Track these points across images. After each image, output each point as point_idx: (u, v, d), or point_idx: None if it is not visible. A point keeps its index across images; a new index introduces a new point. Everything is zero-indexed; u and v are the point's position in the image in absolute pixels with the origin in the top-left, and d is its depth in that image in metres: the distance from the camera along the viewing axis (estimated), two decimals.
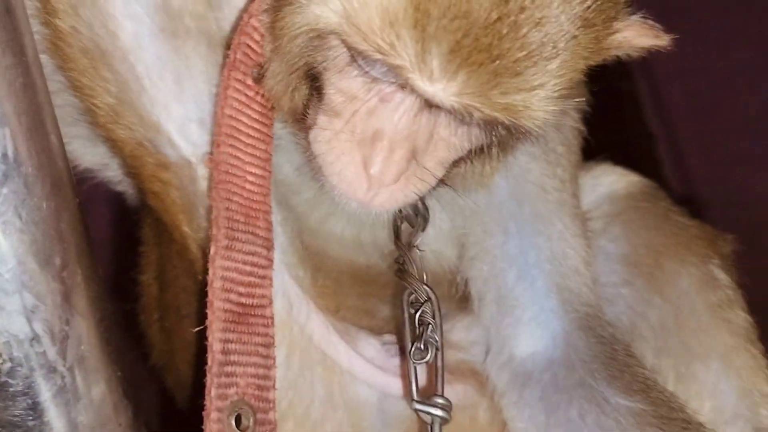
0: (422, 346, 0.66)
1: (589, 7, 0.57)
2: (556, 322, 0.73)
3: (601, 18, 0.59)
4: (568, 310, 0.73)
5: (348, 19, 0.57)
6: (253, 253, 0.67)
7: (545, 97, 0.59)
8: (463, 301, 0.82)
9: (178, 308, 0.80)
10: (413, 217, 0.74)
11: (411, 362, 0.66)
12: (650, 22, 0.65)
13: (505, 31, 0.55)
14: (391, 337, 0.77)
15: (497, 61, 0.56)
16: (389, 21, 0.56)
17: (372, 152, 0.61)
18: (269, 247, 0.68)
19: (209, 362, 0.61)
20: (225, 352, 0.62)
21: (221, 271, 0.64)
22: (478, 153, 0.66)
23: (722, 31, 1.29)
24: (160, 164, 0.71)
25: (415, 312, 0.68)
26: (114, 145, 0.73)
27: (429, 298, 0.68)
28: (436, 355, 0.67)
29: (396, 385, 0.74)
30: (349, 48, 0.60)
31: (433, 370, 0.69)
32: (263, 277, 0.67)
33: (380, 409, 0.74)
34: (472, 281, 0.78)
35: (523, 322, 0.74)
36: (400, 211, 0.74)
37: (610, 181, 0.86)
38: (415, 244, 0.73)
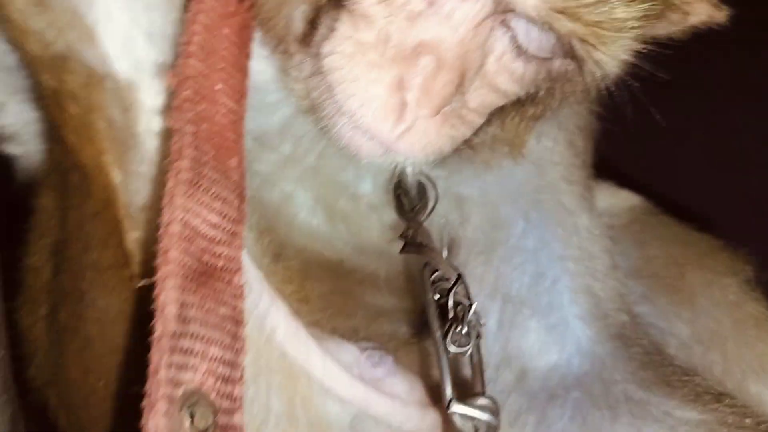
0: (464, 332, 0.50)
1: None
2: (585, 329, 0.59)
3: None
4: (599, 317, 0.60)
5: None
6: (222, 199, 0.49)
7: (628, 39, 0.48)
8: None
9: (80, 294, 0.59)
10: (413, 191, 0.60)
11: (442, 351, 0.49)
12: None
13: None
14: (369, 344, 0.60)
15: None
16: None
17: (411, 71, 0.47)
18: (242, 198, 0.51)
19: (158, 332, 0.42)
20: (182, 319, 0.43)
21: (182, 212, 0.46)
22: (517, 106, 0.54)
23: None
24: (89, 82, 0.53)
25: (450, 289, 0.52)
26: (26, 56, 0.54)
27: (460, 277, 0.53)
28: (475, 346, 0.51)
29: (378, 402, 0.57)
30: None
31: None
32: (233, 235, 0.49)
33: (357, 430, 0.57)
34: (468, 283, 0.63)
35: (540, 330, 0.60)
36: (399, 181, 0.60)
37: (603, 195, 0.76)
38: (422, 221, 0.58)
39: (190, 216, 0.46)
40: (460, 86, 0.49)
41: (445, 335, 0.50)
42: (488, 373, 0.61)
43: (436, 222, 0.66)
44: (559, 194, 0.63)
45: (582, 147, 0.66)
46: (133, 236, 0.54)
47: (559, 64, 0.51)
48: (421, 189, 0.60)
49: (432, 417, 0.59)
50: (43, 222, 0.65)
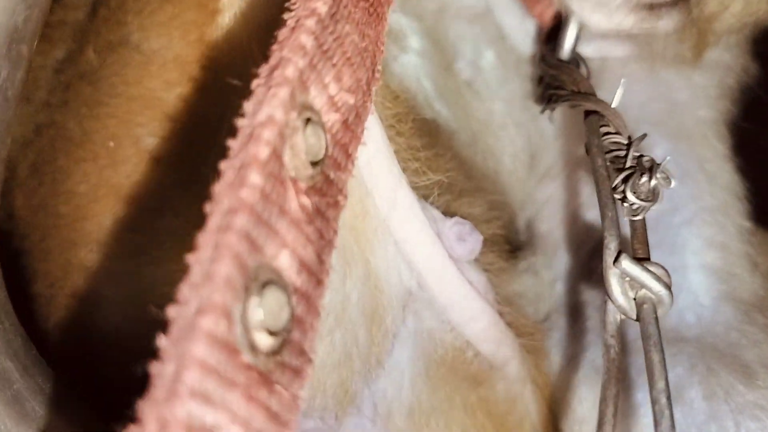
0: (651, 185, 0.39)
1: None
2: (708, 285, 0.49)
3: None
4: (728, 274, 0.50)
5: None
6: None
7: None
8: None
9: (126, 32, 0.45)
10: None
11: (610, 198, 0.38)
12: None
13: None
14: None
15: None
16: None
17: None
18: None
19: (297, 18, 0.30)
20: (331, 15, 0.31)
21: None
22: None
23: None
24: None
25: (629, 145, 0.41)
26: None
27: (630, 142, 0.42)
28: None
29: (454, 282, 0.44)
30: None
31: None
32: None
33: (408, 308, 0.44)
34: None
35: None
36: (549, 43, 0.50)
37: None
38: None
39: None
40: None
41: (614, 188, 0.39)
42: (588, 311, 0.51)
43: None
44: (709, 135, 0.54)
45: (732, 103, 0.58)
46: None
47: None
48: (574, 62, 0.50)
49: (501, 329, 0.47)
50: None
